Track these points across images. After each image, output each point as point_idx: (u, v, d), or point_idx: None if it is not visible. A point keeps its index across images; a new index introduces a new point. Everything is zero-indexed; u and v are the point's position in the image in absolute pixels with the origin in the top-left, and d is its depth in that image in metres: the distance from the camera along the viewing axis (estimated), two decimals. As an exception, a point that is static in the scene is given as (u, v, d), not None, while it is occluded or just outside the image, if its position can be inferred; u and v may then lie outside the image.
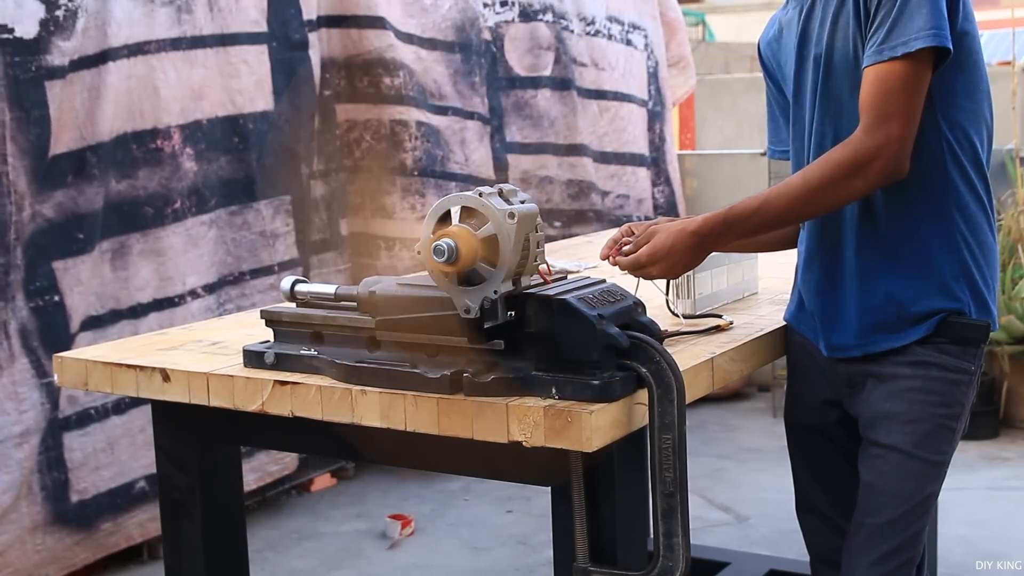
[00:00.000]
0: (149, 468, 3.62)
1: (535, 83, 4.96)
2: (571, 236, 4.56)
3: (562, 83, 5.07)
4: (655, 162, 5.68)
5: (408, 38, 4.37)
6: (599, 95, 5.33)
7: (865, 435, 2.06)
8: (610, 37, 5.42)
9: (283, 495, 4.41)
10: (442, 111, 4.47)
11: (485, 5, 4.73)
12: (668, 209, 5.68)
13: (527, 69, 4.93)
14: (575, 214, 5.16)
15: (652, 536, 1.71)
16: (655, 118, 5.71)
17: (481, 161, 4.68)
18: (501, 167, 4.79)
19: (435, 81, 4.45)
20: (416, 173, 4.34)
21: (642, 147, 5.59)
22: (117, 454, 3.53)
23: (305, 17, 4.06)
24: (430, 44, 4.48)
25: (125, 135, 3.49)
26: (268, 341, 1.99)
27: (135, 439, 3.58)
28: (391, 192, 4.34)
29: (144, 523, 3.66)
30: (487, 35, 4.73)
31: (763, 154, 5.46)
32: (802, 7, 2.07)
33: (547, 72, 5.02)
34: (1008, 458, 4.69)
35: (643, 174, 5.57)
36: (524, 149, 4.92)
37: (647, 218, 5.44)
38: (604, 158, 5.35)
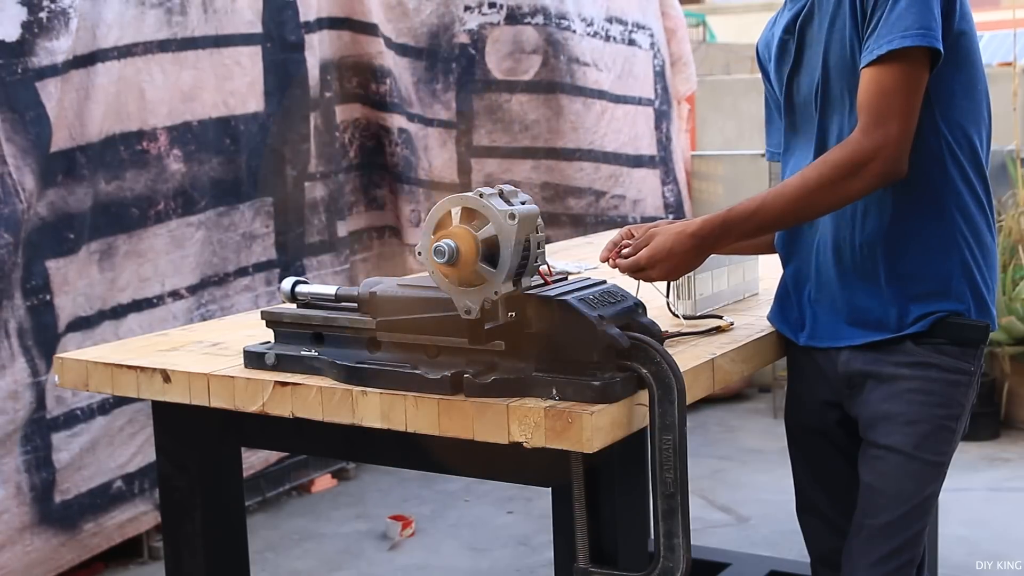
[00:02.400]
0: (124, 468, 3.63)
1: (511, 87, 4.96)
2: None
3: (548, 86, 5.06)
4: (663, 161, 5.67)
5: (387, 43, 4.41)
6: (600, 95, 5.33)
7: (865, 436, 2.06)
8: (608, 38, 5.41)
9: (283, 496, 4.41)
10: (411, 118, 4.52)
11: (467, 8, 4.73)
12: (677, 208, 5.68)
13: (505, 72, 4.92)
14: (548, 217, 5.17)
15: (653, 537, 1.71)
16: (662, 117, 5.71)
17: (443, 166, 4.71)
18: (465, 170, 4.81)
19: (405, 88, 4.50)
20: (397, 179, 4.46)
21: (643, 148, 5.58)
22: (97, 455, 3.53)
23: (302, 19, 4.07)
24: (400, 50, 4.52)
25: (113, 136, 3.49)
26: (269, 342, 1.99)
27: (113, 439, 3.58)
28: (381, 187, 4.46)
29: (123, 523, 3.65)
30: (464, 38, 4.73)
31: (763, 155, 5.45)
32: (799, 9, 2.07)
33: (528, 76, 5.01)
34: (1009, 459, 4.69)
35: (641, 175, 5.56)
36: (491, 153, 4.92)
37: (645, 219, 5.44)
38: (605, 158, 5.35)
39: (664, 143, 5.69)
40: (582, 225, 5.20)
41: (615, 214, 5.40)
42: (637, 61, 5.57)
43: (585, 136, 5.22)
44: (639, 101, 5.58)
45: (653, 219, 5.42)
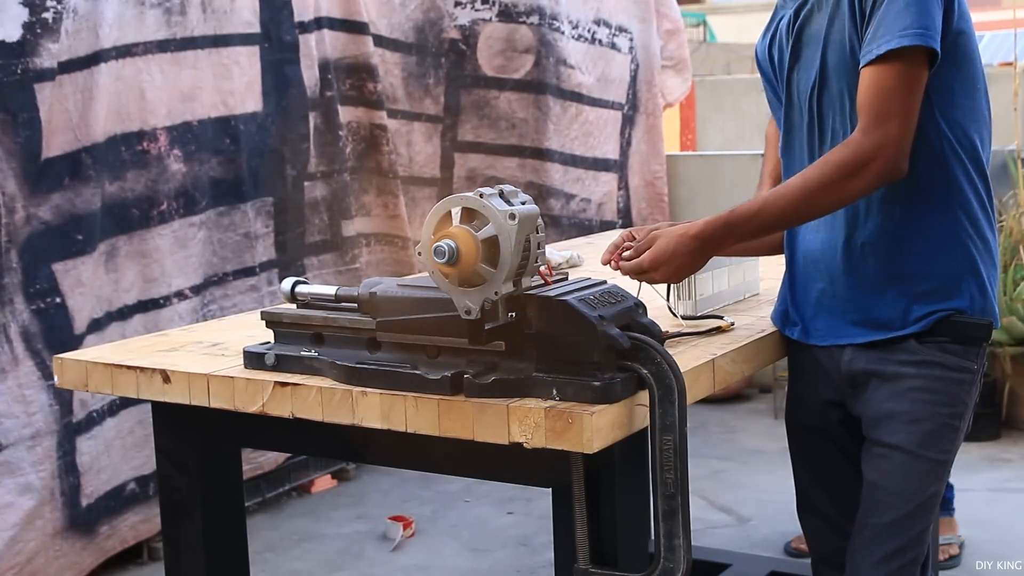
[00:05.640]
0: (139, 470, 3.64)
1: (501, 84, 4.95)
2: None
3: (538, 86, 5.06)
4: (620, 167, 5.67)
5: (379, 40, 4.41)
6: (578, 98, 5.33)
7: (868, 435, 2.06)
8: (593, 41, 5.40)
9: (283, 496, 4.41)
10: (393, 115, 4.53)
11: (457, 4, 4.73)
12: (625, 213, 5.68)
13: (495, 70, 4.92)
14: None
15: (653, 537, 1.70)
16: (627, 123, 5.70)
17: (426, 161, 4.72)
18: (448, 164, 4.81)
19: (391, 84, 4.51)
20: (391, 175, 4.47)
21: (609, 152, 5.58)
22: (112, 457, 3.53)
23: (297, 19, 4.07)
24: (392, 45, 4.52)
25: (115, 137, 3.49)
26: (268, 342, 1.99)
27: (125, 440, 3.58)
28: (384, 187, 4.46)
29: (136, 525, 3.66)
30: (454, 33, 4.73)
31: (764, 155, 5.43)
32: (798, 8, 2.07)
33: (519, 75, 5.00)
34: (1010, 459, 4.69)
35: (606, 179, 5.57)
36: (474, 148, 4.92)
37: (605, 223, 5.46)
38: (574, 161, 5.35)
39: (624, 148, 5.69)
40: (559, 227, 5.21)
41: (583, 217, 5.41)
42: (615, 65, 5.56)
43: (557, 139, 5.22)
44: (612, 105, 5.57)
45: (613, 224, 5.45)
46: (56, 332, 3.29)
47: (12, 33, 3.15)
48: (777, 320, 2.19)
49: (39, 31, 3.20)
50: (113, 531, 3.58)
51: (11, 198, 3.19)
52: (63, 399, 3.33)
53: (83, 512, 3.43)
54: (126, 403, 3.53)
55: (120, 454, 3.57)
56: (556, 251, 3.04)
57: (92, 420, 3.46)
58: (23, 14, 3.18)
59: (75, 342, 3.33)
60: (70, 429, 3.36)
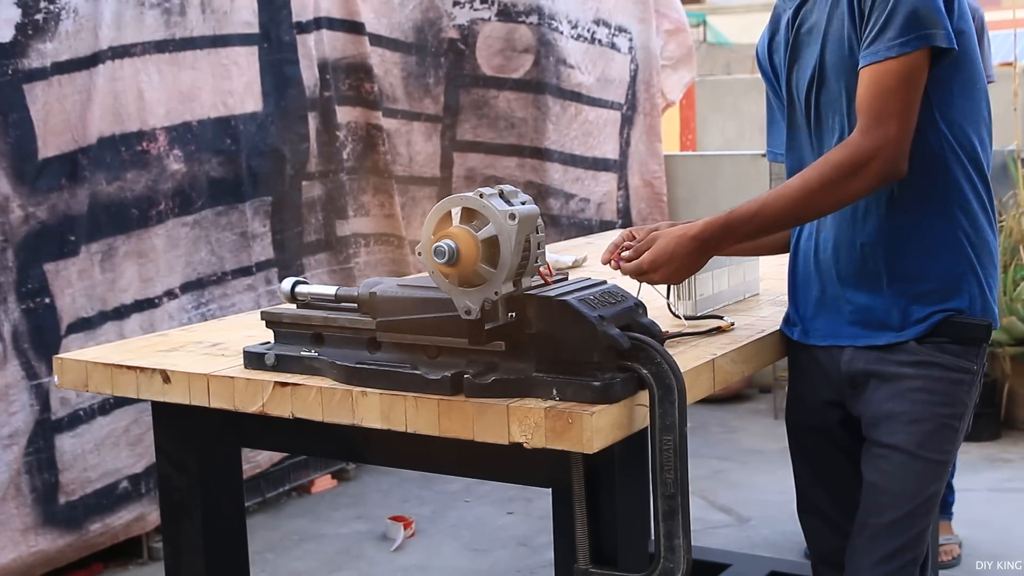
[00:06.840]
0: (133, 468, 3.64)
1: (500, 84, 4.95)
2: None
3: (537, 86, 5.06)
4: (620, 167, 5.67)
5: (376, 40, 4.41)
6: (578, 97, 5.33)
7: (868, 435, 2.06)
8: (592, 40, 5.41)
9: (283, 496, 4.41)
10: (392, 114, 4.53)
11: (456, 3, 4.74)
12: (625, 213, 5.69)
13: (494, 69, 4.92)
14: None
15: (653, 538, 1.70)
16: (626, 123, 5.70)
17: (425, 160, 4.73)
18: (447, 164, 4.82)
19: (391, 84, 4.51)
20: (387, 175, 4.47)
21: (609, 152, 5.59)
22: (103, 455, 3.53)
23: (295, 19, 4.07)
24: (393, 45, 4.53)
25: (114, 137, 3.49)
26: (268, 342, 1.98)
27: (119, 440, 3.58)
28: (381, 187, 4.47)
29: (130, 523, 3.66)
30: (453, 33, 4.73)
31: (764, 155, 5.43)
32: (796, 8, 2.07)
33: (518, 74, 5.00)
34: (1010, 460, 4.69)
35: (606, 179, 5.57)
36: (474, 147, 4.92)
37: (605, 223, 5.46)
38: (573, 161, 5.35)
39: (623, 148, 5.69)
40: (558, 227, 5.21)
41: (583, 217, 5.41)
42: (615, 65, 5.56)
43: (558, 138, 5.23)
44: (611, 105, 5.57)
45: (613, 224, 5.45)
46: (43, 332, 3.30)
47: (5, 34, 3.15)
48: (786, 327, 2.19)
49: (31, 32, 3.20)
50: (106, 528, 3.58)
51: (5, 198, 3.19)
52: (43, 398, 3.33)
53: (62, 508, 3.43)
54: (120, 402, 3.53)
55: (112, 452, 3.56)
56: (555, 254, 3.03)
57: (77, 418, 3.46)
58: (16, 15, 3.18)
59: (61, 342, 3.33)
60: (46, 426, 3.35)
